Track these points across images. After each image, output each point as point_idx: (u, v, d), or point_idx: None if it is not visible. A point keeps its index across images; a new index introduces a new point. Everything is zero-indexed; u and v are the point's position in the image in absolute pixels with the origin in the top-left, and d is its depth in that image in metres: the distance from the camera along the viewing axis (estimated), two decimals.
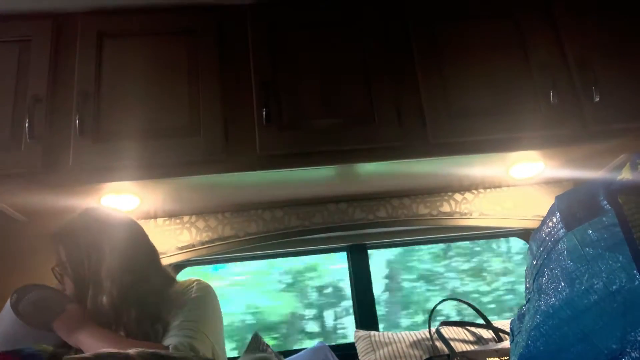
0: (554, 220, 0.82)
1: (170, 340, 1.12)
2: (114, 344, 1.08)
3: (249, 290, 2.19)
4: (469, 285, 2.24)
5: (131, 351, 0.87)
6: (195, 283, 1.30)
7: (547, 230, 0.84)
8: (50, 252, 1.29)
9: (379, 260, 2.18)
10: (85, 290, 1.23)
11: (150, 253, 1.34)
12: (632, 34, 1.66)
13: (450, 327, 1.68)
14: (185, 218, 1.82)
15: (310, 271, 2.22)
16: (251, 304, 2.16)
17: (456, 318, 2.07)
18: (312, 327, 2.14)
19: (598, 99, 1.55)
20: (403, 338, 1.66)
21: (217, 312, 1.29)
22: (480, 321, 1.70)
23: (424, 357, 1.56)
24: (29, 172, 1.43)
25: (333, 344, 1.86)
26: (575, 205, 0.80)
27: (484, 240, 2.25)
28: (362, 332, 1.72)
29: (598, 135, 1.56)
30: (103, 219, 1.31)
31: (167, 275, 1.35)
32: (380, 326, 1.95)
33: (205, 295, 1.28)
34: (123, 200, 1.61)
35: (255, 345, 1.58)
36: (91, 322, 1.18)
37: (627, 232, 0.70)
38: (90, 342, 1.13)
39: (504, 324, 1.67)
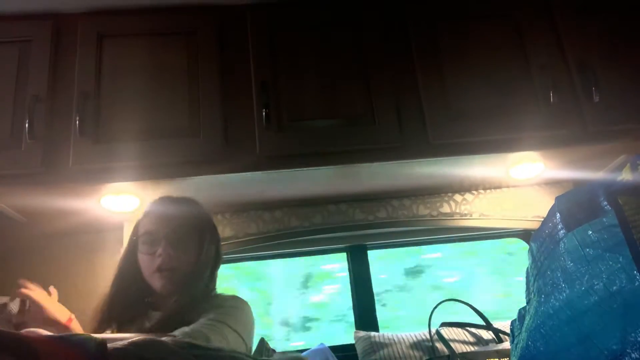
0: (554, 221, 0.82)
1: (184, 329, 1.08)
2: None
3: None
4: None
5: (166, 339, 0.85)
6: (233, 296, 1.31)
7: (547, 231, 0.84)
8: (49, 252, 1.29)
9: None
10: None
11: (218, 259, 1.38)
12: (632, 35, 1.66)
13: (450, 328, 1.67)
14: None
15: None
16: None
17: None
18: None
19: (598, 99, 1.54)
20: (403, 339, 1.65)
21: (249, 324, 1.28)
22: (481, 322, 1.70)
23: (424, 358, 1.56)
24: (28, 172, 1.43)
25: (333, 344, 1.86)
26: (575, 206, 0.80)
27: None
28: (362, 333, 1.72)
29: (598, 136, 1.56)
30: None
31: (214, 283, 1.36)
32: None
33: (240, 306, 1.27)
34: (123, 200, 1.61)
35: (261, 350, 1.57)
36: None
37: (627, 232, 0.70)
38: None
39: (504, 324, 1.66)
